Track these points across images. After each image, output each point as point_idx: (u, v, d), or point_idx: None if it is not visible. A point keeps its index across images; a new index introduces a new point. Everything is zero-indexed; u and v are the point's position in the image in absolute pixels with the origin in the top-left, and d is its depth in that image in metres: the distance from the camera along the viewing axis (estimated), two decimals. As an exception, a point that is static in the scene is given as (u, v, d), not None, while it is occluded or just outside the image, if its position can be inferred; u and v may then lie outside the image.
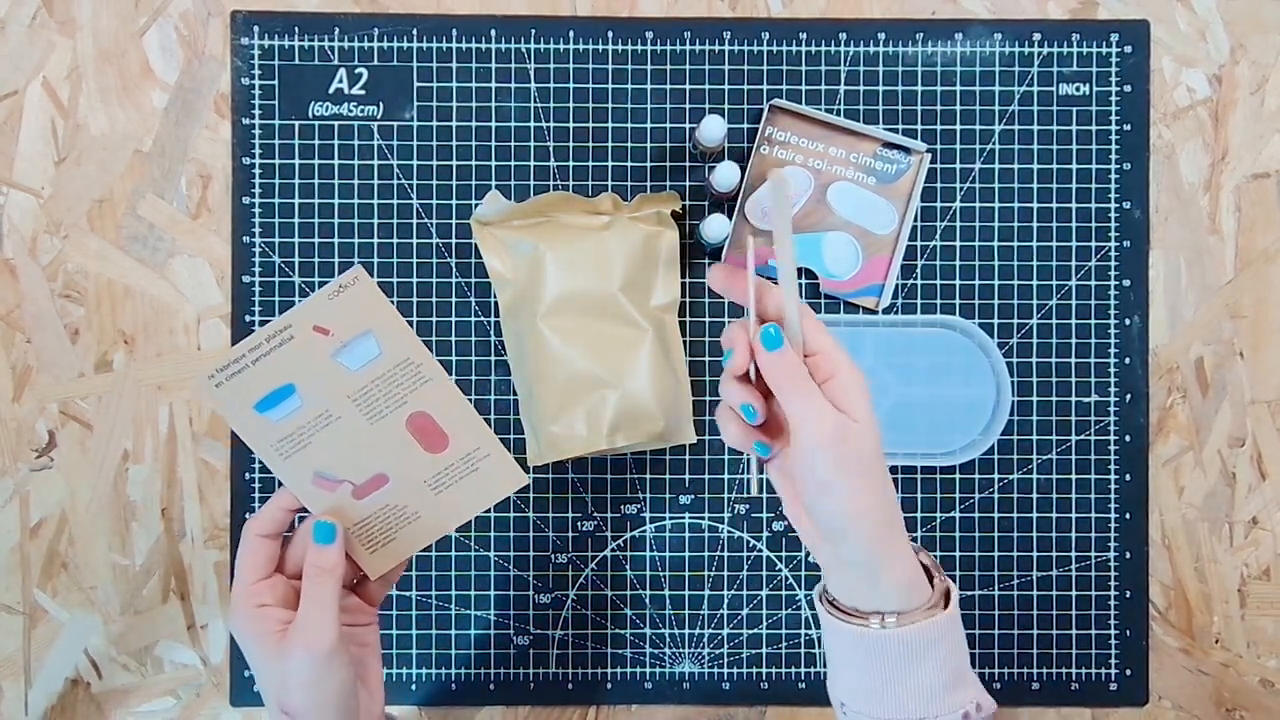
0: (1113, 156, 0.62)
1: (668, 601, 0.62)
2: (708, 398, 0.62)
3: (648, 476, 0.62)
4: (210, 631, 0.62)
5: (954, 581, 0.46)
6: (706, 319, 0.62)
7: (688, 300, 0.61)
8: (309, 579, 0.44)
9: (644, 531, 0.62)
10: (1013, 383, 0.61)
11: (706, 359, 0.62)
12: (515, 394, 0.61)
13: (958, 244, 0.62)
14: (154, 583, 0.62)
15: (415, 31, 0.61)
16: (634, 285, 0.58)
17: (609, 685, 0.62)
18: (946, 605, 0.44)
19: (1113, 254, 0.62)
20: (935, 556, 0.47)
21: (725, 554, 0.62)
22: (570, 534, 0.62)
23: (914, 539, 0.62)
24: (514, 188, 0.62)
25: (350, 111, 0.61)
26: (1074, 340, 0.62)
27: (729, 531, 0.62)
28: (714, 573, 0.62)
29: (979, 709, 0.43)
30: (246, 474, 0.61)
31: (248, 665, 0.61)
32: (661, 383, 0.57)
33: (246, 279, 0.61)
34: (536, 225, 0.59)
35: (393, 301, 0.61)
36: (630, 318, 0.58)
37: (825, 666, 0.47)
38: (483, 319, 0.62)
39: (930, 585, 0.44)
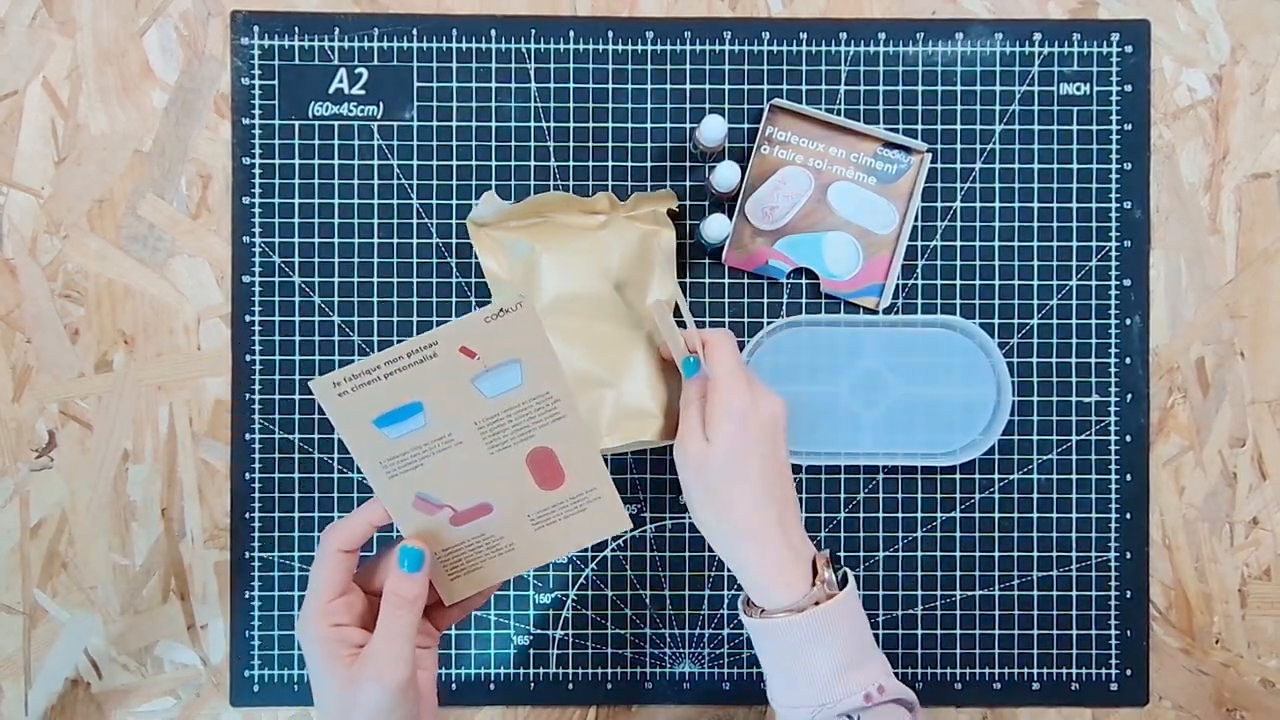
0: (1113, 156, 0.62)
1: (668, 601, 0.62)
2: (708, 398, 0.62)
3: (648, 476, 0.62)
4: (210, 631, 0.62)
5: (854, 575, 0.49)
6: (706, 318, 0.62)
7: (687, 299, 0.61)
8: (388, 606, 0.42)
9: (644, 531, 0.62)
10: (1013, 383, 0.60)
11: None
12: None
13: (958, 244, 0.62)
14: (154, 583, 0.62)
15: (415, 31, 0.61)
16: (631, 285, 0.58)
17: (609, 685, 0.62)
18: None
19: (1113, 254, 0.62)
20: (831, 556, 0.49)
21: (725, 554, 0.62)
22: (570, 534, 0.62)
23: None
24: (514, 188, 0.62)
25: (350, 111, 0.61)
26: (1074, 340, 0.62)
27: (729, 531, 0.62)
28: (714, 573, 0.62)
29: (882, 691, 0.46)
30: (246, 474, 0.61)
31: (248, 665, 0.61)
32: (660, 382, 0.57)
33: (246, 279, 0.61)
34: (532, 226, 0.59)
35: (391, 301, 0.61)
36: (628, 317, 0.58)
37: None
38: (483, 319, 0.62)
39: (813, 582, 0.47)
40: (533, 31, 0.61)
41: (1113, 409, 0.62)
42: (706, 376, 0.50)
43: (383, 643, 0.42)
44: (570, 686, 0.62)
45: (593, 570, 0.62)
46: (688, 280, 0.62)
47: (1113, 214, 0.62)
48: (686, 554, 0.62)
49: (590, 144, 0.62)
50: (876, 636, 0.62)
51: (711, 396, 0.48)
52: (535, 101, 0.62)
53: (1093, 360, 0.62)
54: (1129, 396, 0.62)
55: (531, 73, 0.62)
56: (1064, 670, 0.62)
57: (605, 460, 0.48)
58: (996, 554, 0.62)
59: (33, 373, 0.61)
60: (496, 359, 0.43)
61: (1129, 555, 0.62)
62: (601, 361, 0.56)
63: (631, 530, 0.48)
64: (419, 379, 0.42)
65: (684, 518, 0.62)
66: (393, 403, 0.42)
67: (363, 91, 0.61)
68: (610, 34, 0.61)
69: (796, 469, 0.62)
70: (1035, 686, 0.62)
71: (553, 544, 0.47)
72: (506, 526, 0.46)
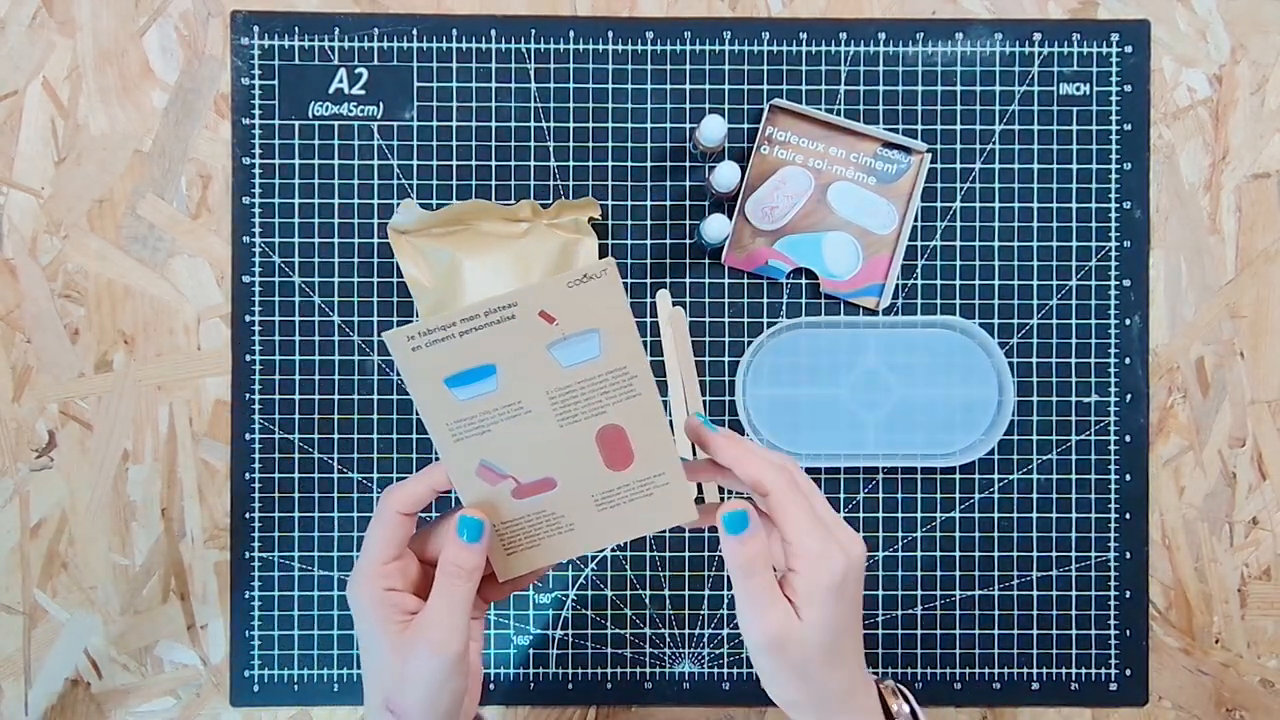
0: (1113, 156, 0.62)
1: (668, 601, 0.62)
2: (708, 398, 0.62)
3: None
4: (210, 631, 0.62)
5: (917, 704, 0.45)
6: (706, 318, 0.62)
7: (688, 300, 0.61)
8: (444, 575, 0.41)
9: (644, 531, 0.62)
10: (1013, 383, 0.61)
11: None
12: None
13: (958, 244, 0.62)
14: (154, 583, 0.62)
15: (415, 31, 0.61)
16: None
17: (609, 685, 0.62)
18: None
19: (1113, 254, 0.62)
20: (888, 680, 0.46)
21: (725, 554, 0.62)
22: (570, 534, 0.62)
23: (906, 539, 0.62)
24: (514, 188, 0.62)
25: (350, 111, 0.61)
26: (1074, 340, 0.62)
27: (729, 531, 0.62)
28: (714, 573, 0.62)
29: None
30: (246, 474, 0.61)
31: (248, 665, 0.61)
32: None
33: (246, 279, 0.61)
34: (453, 234, 0.59)
35: (392, 301, 0.61)
36: None
37: None
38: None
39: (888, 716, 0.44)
40: (533, 31, 0.61)
41: (1113, 409, 0.62)
42: (753, 532, 0.41)
43: (438, 613, 0.40)
44: (570, 686, 0.62)
45: (593, 570, 0.62)
46: (687, 280, 0.62)
47: (1113, 214, 0.62)
48: (686, 554, 0.62)
49: (590, 144, 0.62)
50: (877, 637, 0.62)
51: (797, 563, 0.41)
52: (535, 101, 0.62)
53: (1092, 360, 0.62)
54: (1129, 396, 0.62)
55: (531, 73, 0.62)
56: (1063, 670, 0.62)
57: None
58: (996, 554, 0.62)
59: (33, 373, 0.61)
60: (575, 327, 0.41)
61: (1129, 555, 0.62)
62: None
63: (695, 519, 0.44)
64: (494, 340, 0.41)
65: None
66: (466, 363, 0.41)
67: (363, 91, 0.61)
68: (610, 34, 0.61)
69: (796, 469, 0.62)
70: (1035, 686, 0.62)
71: (613, 528, 0.45)
72: (569, 505, 0.44)
